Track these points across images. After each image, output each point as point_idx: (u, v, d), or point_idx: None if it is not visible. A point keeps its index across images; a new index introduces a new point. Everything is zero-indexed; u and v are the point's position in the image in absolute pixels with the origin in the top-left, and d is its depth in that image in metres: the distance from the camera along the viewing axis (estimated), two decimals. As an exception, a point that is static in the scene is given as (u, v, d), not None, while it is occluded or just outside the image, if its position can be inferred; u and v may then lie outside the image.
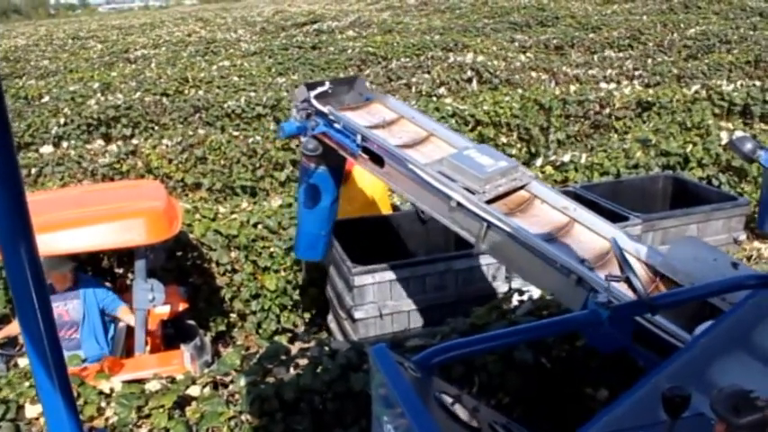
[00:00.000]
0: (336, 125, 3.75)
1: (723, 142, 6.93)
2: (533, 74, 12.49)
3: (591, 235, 3.16)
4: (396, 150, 3.49)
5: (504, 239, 3.07)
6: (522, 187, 3.40)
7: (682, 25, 16.94)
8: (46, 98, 12.09)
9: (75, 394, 3.23)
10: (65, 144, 9.72)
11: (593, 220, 3.20)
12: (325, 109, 3.79)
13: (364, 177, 5.24)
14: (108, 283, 4.98)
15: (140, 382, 3.51)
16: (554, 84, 11.77)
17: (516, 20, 20.32)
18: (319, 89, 3.92)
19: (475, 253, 3.72)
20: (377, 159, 3.59)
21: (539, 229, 3.13)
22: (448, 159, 3.40)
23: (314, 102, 3.85)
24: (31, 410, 3.23)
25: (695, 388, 1.51)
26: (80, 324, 4.50)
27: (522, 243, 2.99)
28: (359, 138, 3.63)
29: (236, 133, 9.27)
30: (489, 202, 3.21)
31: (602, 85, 10.76)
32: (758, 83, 9.80)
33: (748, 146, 2.45)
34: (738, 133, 6.90)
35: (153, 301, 4.41)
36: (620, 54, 14.39)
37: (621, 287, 2.71)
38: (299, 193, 4.50)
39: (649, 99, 9.36)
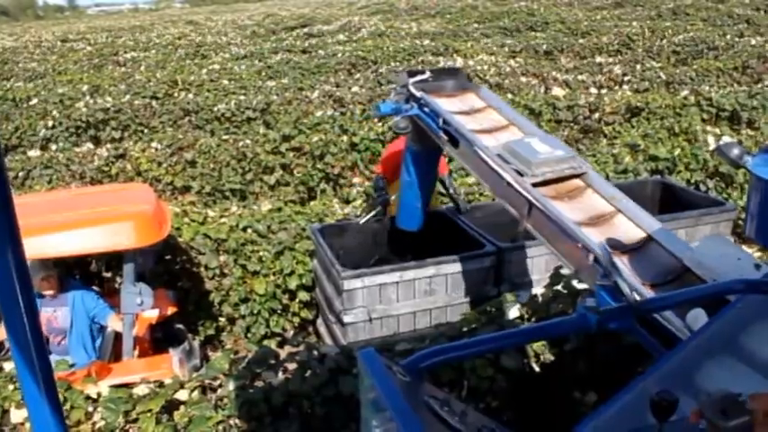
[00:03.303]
0: (426, 109, 4.12)
1: (711, 147, 6.98)
2: (523, 79, 12.54)
3: (629, 225, 3.30)
4: (467, 133, 3.79)
5: (543, 219, 3.29)
6: (578, 176, 3.60)
7: (670, 31, 17.07)
8: (34, 100, 12.02)
9: (62, 399, 3.20)
10: (53, 147, 9.67)
11: (636, 213, 3.34)
12: (418, 93, 4.16)
13: None
14: (96, 287, 4.95)
15: (128, 386, 3.49)
16: (544, 89, 11.83)
17: (506, 25, 20.43)
18: (419, 77, 4.30)
19: (519, 230, 3.96)
20: (454, 141, 3.90)
21: (578, 214, 3.32)
22: (508, 144, 3.66)
23: (411, 87, 4.21)
24: (17, 415, 3.20)
25: (683, 392, 1.51)
26: (68, 331, 4.46)
27: (556, 223, 3.19)
28: (441, 120, 3.97)
29: (225, 137, 9.26)
30: (538, 185, 3.43)
31: (592, 90, 10.82)
32: (746, 88, 9.89)
33: (735, 151, 2.47)
34: (726, 139, 6.96)
35: (141, 305, 4.39)
36: (610, 59, 14.48)
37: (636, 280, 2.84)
38: (402, 168, 4.94)
39: (638, 104, 9.42)
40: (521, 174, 3.46)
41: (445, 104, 4.13)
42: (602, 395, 3.00)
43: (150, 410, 3.16)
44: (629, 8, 23.09)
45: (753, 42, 14.52)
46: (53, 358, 4.12)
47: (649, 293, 2.75)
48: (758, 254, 4.12)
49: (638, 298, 2.66)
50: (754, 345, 1.96)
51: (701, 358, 1.94)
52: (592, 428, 1.69)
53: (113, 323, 4.52)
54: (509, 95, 10.50)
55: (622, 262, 2.94)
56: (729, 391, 1.37)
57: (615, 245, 3.08)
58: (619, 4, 23.91)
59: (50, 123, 10.45)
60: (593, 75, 12.74)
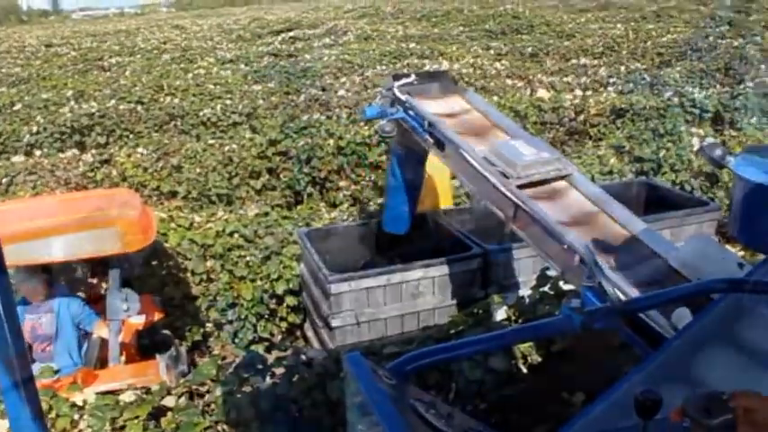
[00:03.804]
0: (411, 112, 4.16)
1: (695, 148, 7.05)
2: (509, 81, 12.59)
3: (614, 226, 3.32)
4: (452, 136, 3.83)
5: (528, 221, 3.33)
6: (563, 177, 3.64)
7: (654, 33, 17.20)
8: (18, 106, 11.93)
9: (47, 407, 3.18)
10: (37, 152, 9.60)
11: (622, 213, 3.36)
12: (403, 97, 4.20)
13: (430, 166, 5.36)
14: (81, 294, 4.91)
15: (115, 393, 3.46)
16: (529, 91, 11.87)
17: (492, 28, 20.51)
18: (404, 80, 4.33)
19: (506, 232, 4.01)
20: (439, 144, 3.95)
21: (564, 215, 3.35)
22: (493, 146, 3.71)
23: (396, 90, 4.24)
24: (0, 425, 3.17)
25: (668, 390, 1.52)
26: (53, 338, 4.43)
27: (542, 225, 3.23)
28: (426, 123, 4.02)
29: (211, 141, 9.23)
30: (523, 186, 3.46)
31: (577, 92, 10.88)
32: (728, 90, 9.98)
33: (717, 152, 2.51)
34: (709, 140, 7.03)
35: (127, 311, 4.37)
36: (595, 62, 14.57)
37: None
38: (387, 171, 5.01)
39: (623, 106, 9.48)
40: (506, 176, 3.49)
41: (431, 107, 4.15)
42: (589, 395, 3.01)
43: (137, 417, 3.14)
44: (614, 10, 23.27)
45: (735, 44, 14.66)
46: (37, 366, 4.08)
47: (634, 293, 2.77)
48: (741, 253, 4.17)
49: (623, 298, 2.68)
50: (737, 343, 1.97)
51: (685, 357, 1.95)
52: (578, 429, 1.70)
53: (99, 329, 4.48)
54: (494, 98, 10.54)
55: (607, 262, 2.96)
56: (713, 389, 1.38)
57: (600, 246, 3.10)
58: (603, 7, 24.08)
59: (35, 129, 10.37)
60: (578, 77, 12.81)
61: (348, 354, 1.60)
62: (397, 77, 4.34)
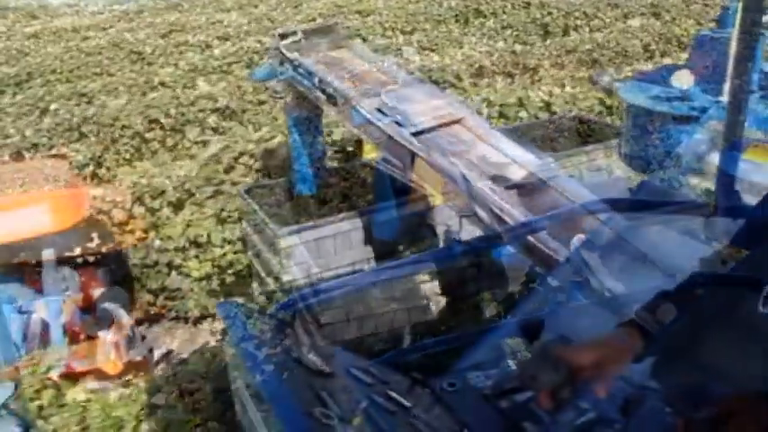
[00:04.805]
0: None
1: (682, 145, 7.09)
2: (500, 78, 12.61)
3: (597, 222, 3.31)
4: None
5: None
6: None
7: (645, 31, 17.23)
8: (5, 100, 11.85)
9: (36, 405, 3.18)
10: (26, 151, 9.55)
11: (609, 215, 3.31)
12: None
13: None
14: (70, 293, 4.90)
15: (104, 390, 3.47)
16: (520, 87, 11.89)
17: (485, 22, 20.47)
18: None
19: (492, 232, 4.02)
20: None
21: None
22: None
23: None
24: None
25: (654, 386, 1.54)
26: (41, 337, 4.42)
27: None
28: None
29: (200, 138, 9.21)
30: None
31: (568, 89, 10.91)
32: (714, 87, 10.03)
33: (702, 147, 2.56)
34: (697, 136, 7.08)
35: (117, 310, 4.37)
36: (586, 58, 14.58)
37: None
38: (375, 175, 5.08)
39: (611, 103, 9.52)
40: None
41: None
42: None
43: (127, 415, 3.15)
44: (608, 8, 23.26)
45: (722, 40, 14.72)
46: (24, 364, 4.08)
47: (620, 289, 2.79)
48: (727, 251, 4.21)
49: (608, 294, 2.70)
50: (722, 338, 2.00)
51: (670, 353, 1.97)
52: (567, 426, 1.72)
53: (88, 328, 4.47)
54: (483, 93, 10.56)
55: (593, 259, 2.98)
56: (699, 383, 1.40)
57: (587, 242, 3.11)
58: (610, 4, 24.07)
59: (22, 126, 10.31)
60: (571, 73, 12.84)
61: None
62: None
